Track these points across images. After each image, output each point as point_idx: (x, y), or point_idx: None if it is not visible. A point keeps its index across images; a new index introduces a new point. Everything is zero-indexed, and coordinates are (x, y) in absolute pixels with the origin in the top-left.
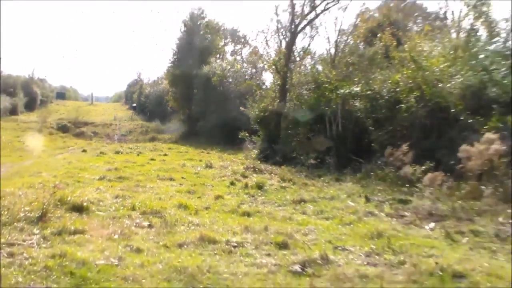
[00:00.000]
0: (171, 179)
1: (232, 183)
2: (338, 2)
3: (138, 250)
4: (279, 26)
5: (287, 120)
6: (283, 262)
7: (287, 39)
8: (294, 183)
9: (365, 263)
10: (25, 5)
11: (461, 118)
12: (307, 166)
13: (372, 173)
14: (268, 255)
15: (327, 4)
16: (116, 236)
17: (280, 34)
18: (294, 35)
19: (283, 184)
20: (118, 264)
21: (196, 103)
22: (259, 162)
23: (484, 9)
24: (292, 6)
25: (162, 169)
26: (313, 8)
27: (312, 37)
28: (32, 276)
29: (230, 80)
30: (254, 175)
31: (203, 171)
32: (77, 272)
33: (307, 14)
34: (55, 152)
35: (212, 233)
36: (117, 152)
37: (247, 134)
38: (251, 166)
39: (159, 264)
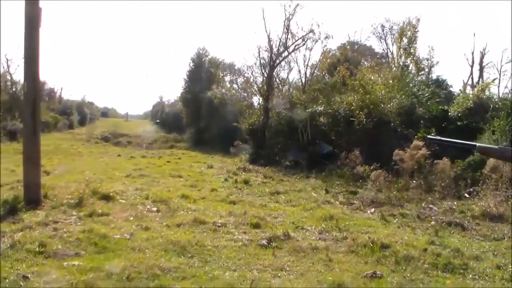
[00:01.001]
0: (179, 176)
1: (225, 180)
2: (305, 44)
3: (146, 228)
4: (262, 61)
5: (270, 132)
6: (255, 238)
7: (267, 71)
8: (273, 179)
9: (318, 238)
10: (78, 43)
11: (399, 130)
12: (285, 167)
13: (333, 171)
14: (244, 232)
15: (296, 46)
16: (131, 218)
17: (262, 67)
18: (272, 68)
19: (265, 180)
20: (130, 238)
21: (203, 119)
22: (248, 164)
23: (412, 51)
24: (270, 47)
25: (174, 169)
26: (286, 48)
27: (289, 69)
28: (67, 245)
29: (228, 101)
30: (244, 173)
31: (205, 170)
32: (100, 243)
33: (281, 53)
34: (98, 156)
35: (203, 216)
36: (143, 157)
37: (240, 143)
38: (242, 167)
39: (160, 239)
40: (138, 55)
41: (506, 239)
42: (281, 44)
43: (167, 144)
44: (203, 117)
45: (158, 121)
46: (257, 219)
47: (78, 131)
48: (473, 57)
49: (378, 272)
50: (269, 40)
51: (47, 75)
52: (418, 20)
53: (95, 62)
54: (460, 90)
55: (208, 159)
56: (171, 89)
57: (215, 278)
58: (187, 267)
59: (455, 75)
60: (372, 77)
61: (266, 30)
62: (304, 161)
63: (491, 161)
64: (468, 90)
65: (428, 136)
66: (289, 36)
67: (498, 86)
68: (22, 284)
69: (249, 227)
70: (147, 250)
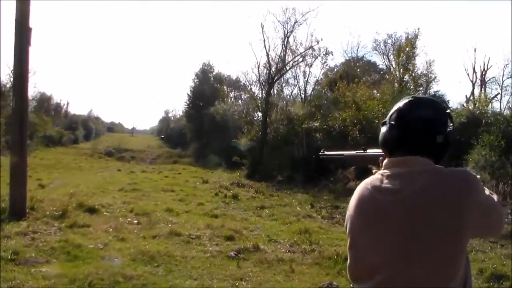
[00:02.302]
0: (172, 191)
1: (216, 194)
2: (304, 61)
3: (122, 239)
4: (261, 78)
5: (268, 147)
6: (225, 250)
7: (266, 88)
8: (263, 194)
9: (287, 251)
10: (85, 61)
11: None
12: (278, 182)
13: (326, 187)
14: (216, 244)
15: (294, 62)
16: (110, 230)
17: (261, 84)
18: (271, 85)
19: (254, 195)
20: (102, 248)
21: (206, 134)
22: (245, 179)
23: (410, 67)
24: (269, 63)
25: (168, 184)
26: (284, 65)
27: (287, 84)
28: (40, 253)
29: (230, 117)
30: (236, 188)
31: (199, 185)
32: (72, 252)
33: (280, 70)
34: (98, 170)
35: (180, 229)
36: (143, 171)
37: (238, 158)
38: (236, 182)
39: (132, 249)
40: (146, 70)
41: (473, 252)
42: (279, 60)
43: (171, 159)
44: (206, 132)
45: (162, 136)
46: (233, 232)
47: (82, 146)
48: (474, 73)
49: (334, 283)
50: (268, 57)
51: (53, 89)
52: (416, 36)
53: (103, 77)
54: (463, 106)
55: (207, 174)
56: (177, 104)
57: (174, 286)
58: (150, 275)
59: (458, 91)
60: (366, 93)
61: (265, 47)
62: (299, 176)
63: None
64: (471, 105)
65: (320, 154)
66: (288, 52)
67: (500, 101)
68: None
69: (223, 239)
70: (116, 259)
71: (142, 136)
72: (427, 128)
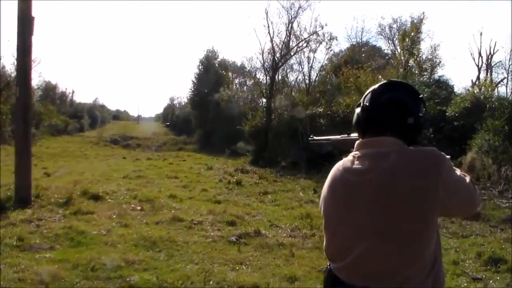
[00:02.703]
0: (176, 177)
1: (220, 180)
2: (308, 46)
3: (125, 225)
4: (265, 64)
5: (272, 133)
6: (226, 235)
7: (270, 74)
8: (267, 180)
9: (288, 236)
10: (90, 49)
11: None
12: (282, 167)
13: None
14: (218, 230)
15: (298, 48)
16: (114, 216)
17: (265, 70)
18: (275, 70)
19: (258, 181)
20: (105, 234)
21: (210, 121)
22: (249, 165)
23: (415, 51)
24: (273, 49)
25: (173, 171)
26: (288, 50)
27: (292, 70)
28: (45, 240)
29: (235, 104)
30: (240, 174)
31: (203, 172)
32: (76, 238)
33: (284, 56)
34: (103, 158)
35: (183, 215)
36: (148, 159)
37: (243, 144)
38: (240, 168)
39: (134, 235)
40: (151, 58)
41: (473, 236)
42: (284, 46)
43: (176, 147)
44: (211, 119)
45: (168, 123)
46: (234, 217)
47: (88, 134)
48: (480, 57)
49: None
50: (272, 43)
51: (59, 78)
52: (422, 20)
53: (108, 66)
54: (468, 90)
55: (212, 160)
56: (182, 91)
57: (175, 270)
58: (151, 260)
59: (464, 75)
60: (369, 79)
61: (269, 33)
62: (303, 161)
63: (467, 160)
64: (476, 90)
65: (309, 139)
66: (292, 38)
67: (506, 86)
68: None
69: (225, 224)
70: (118, 245)
71: (148, 124)
72: (398, 110)
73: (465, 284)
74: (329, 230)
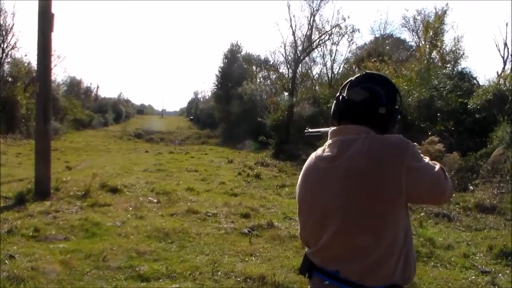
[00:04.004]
0: (195, 171)
1: (239, 174)
2: (330, 39)
3: (140, 217)
4: (287, 58)
5: (294, 127)
6: (239, 227)
7: (292, 68)
8: (286, 173)
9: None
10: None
11: (416, 123)
12: (304, 161)
13: None
14: (232, 222)
15: (321, 41)
16: (130, 208)
17: (288, 63)
18: (297, 64)
19: (277, 174)
20: (120, 226)
21: (233, 115)
22: (270, 158)
23: (438, 43)
24: (295, 42)
25: (193, 164)
26: (311, 43)
27: (314, 64)
28: (60, 231)
29: (258, 98)
30: (260, 167)
31: (224, 165)
32: (90, 229)
33: (306, 48)
34: (126, 152)
35: (198, 207)
36: (171, 152)
37: (264, 138)
38: (261, 161)
39: (148, 226)
40: (175, 52)
41: (487, 229)
42: (306, 39)
43: (200, 140)
44: (234, 113)
45: (192, 117)
46: (249, 209)
47: (112, 128)
48: (505, 48)
49: None
50: (294, 36)
51: (84, 73)
52: (445, 11)
53: (133, 60)
54: (493, 82)
55: (234, 154)
56: (206, 85)
57: (185, 261)
58: (162, 251)
59: (489, 67)
60: (392, 71)
61: (291, 26)
62: None
63: (494, 153)
64: (501, 81)
65: (305, 131)
66: (314, 31)
67: None
68: (7, 262)
69: (239, 217)
70: (132, 236)
71: (172, 118)
72: (370, 99)
73: (473, 277)
74: (302, 216)
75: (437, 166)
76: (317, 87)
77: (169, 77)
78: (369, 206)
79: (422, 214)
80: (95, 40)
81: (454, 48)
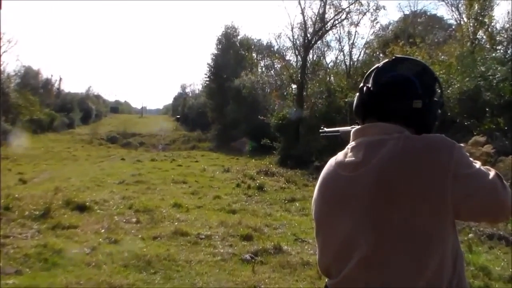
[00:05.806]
0: (184, 182)
1: (237, 185)
2: (348, 18)
3: (115, 241)
4: (295, 42)
5: (305, 127)
6: (239, 252)
7: (301, 54)
8: (296, 184)
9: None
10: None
11: (457, 120)
12: (315, 168)
13: None
14: (230, 245)
15: (335, 21)
16: (102, 230)
17: (296, 49)
18: (307, 50)
19: (284, 185)
20: (89, 253)
21: (229, 113)
22: (276, 166)
23: (486, 20)
24: (305, 23)
25: (181, 174)
26: (324, 24)
27: (328, 49)
28: (11, 262)
29: (259, 91)
30: (264, 177)
31: (219, 175)
32: (50, 258)
33: (319, 30)
34: (97, 160)
35: (188, 228)
36: (153, 160)
37: (268, 141)
38: (264, 170)
39: (125, 253)
40: (157, 38)
41: None
42: (318, 19)
43: (189, 145)
44: (230, 110)
45: (178, 116)
46: (251, 230)
47: (79, 131)
48: None
49: None
50: (304, 16)
51: (42, 63)
52: None
53: (104, 48)
54: None
55: (231, 161)
56: (196, 77)
57: None
58: (143, 284)
59: None
60: (425, 56)
61: (300, 4)
62: None
63: None
64: None
65: (320, 131)
66: (329, 9)
67: None
68: None
69: (239, 239)
70: (104, 265)
71: (154, 117)
72: (402, 90)
73: None
74: (321, 238)
75: (492, 173)
76: (332, 78)
77: (151, 68)
78: (407, 224)
79: (470, 235)
80: (57, 22)
81: (508, 25)
